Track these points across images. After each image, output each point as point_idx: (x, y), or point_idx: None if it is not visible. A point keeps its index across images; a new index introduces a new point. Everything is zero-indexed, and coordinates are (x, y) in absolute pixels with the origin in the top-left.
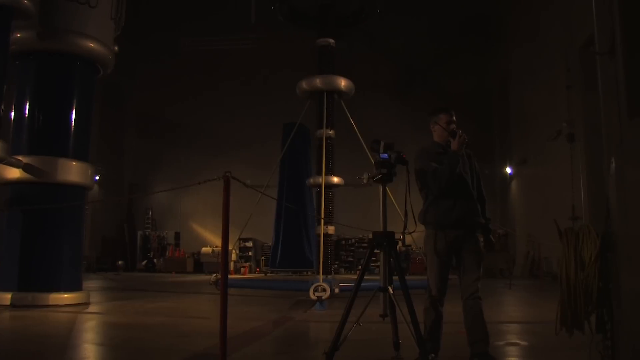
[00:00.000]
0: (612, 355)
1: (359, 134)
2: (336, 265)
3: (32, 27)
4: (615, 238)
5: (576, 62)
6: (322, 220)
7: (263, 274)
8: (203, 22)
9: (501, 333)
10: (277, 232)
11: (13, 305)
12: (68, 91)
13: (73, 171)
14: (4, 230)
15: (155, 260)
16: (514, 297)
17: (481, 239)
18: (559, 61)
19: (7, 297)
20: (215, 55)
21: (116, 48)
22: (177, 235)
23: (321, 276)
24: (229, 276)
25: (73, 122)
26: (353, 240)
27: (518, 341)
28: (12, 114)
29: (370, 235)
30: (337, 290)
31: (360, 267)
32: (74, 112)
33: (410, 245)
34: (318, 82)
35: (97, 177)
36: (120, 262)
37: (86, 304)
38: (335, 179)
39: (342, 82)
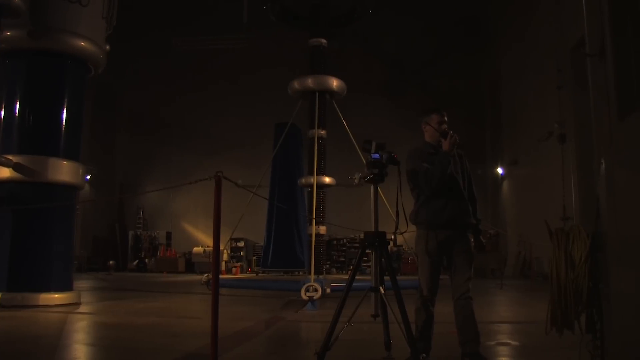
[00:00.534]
0: (602, 355)
1: (350, 134)
2: (328, 265)
3: (22, 25)
4: (605, 238)
5: (567, 63)
6: (314, 220)
7: (254, 274)
8: (195, 21)
9: (492, 333)
10: (268, 232)
11: (2, 306)
12: (59, 90)
13: (64, 170)
14: None
15: (146, 260)
16: (505, 297)
17: (472, 239)
18: (550, 62)
19: None
20: (207, 55)
21: (108, 47)
22: (169, 235)
23: (313, 276)
24: (221, 276)
25: (64, 122)
26: (345, 241)
27: (509, 341)
28: (2, 112)
29: (362, 236)
30: (328, 290)
31: (351, 267)
32: (64, 111)
33: (401, 246)
34: (310, 82)
35: (88, 177)
36: (111, 262)
37: (77, 304)
38: (327, 179)
39: (334, 82)
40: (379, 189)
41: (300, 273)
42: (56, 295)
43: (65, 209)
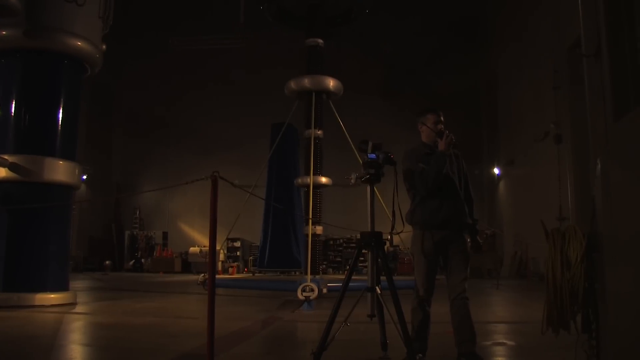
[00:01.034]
0: (598, 355)
1: (347, 134)
2: (324, 265)
3: (18, 24)
4: (601, 238)
5: (563, 63)
6: (310, 220)
7: (251, 274)
8: (192, 21)
9: (488, 333)
10: (265, 232)
11: None
12: (55, 90)
13: (60, 170)
14: None
15: (142, 260)
16: (501, 297)
17: (468, 240)
18: (546, 62)
19: None
20: (204, 55)
21: (104, 47)
22: (165, 235)
23: (309, 276)
24: (217, 276)
25: (60, 121)
26: (341, 241)
27: (505, 341)
28: None
29: (358, 236)
30: (325, 291)
31: (348, 267)
32: (60, 110)
33: (398, 246)
34: (306, 82)
35: (85, 177)
36: (107, 262)
37: (73, 304)
38: (324, 179)
39: (331, 82)
40: (375, 189)
41: (297, 273)
42: (52, 296)
43: (61, 209)
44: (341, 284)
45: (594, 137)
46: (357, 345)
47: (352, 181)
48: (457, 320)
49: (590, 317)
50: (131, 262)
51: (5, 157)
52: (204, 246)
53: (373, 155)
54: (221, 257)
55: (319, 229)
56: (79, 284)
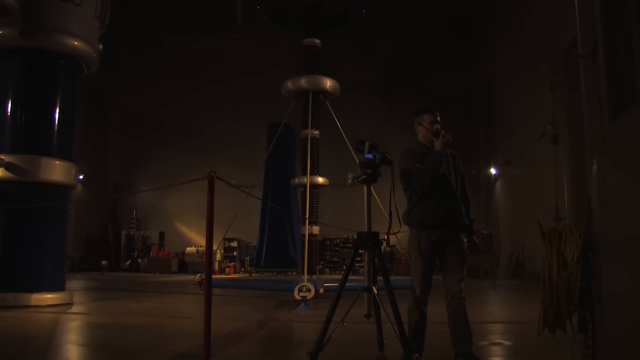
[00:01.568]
0: (594, 354)
1: (344, 134)
2: (321, 266)
3: (14, 24)
4: (597, 239)
5: (560, 64)
6: (307, 220)
7: (248, 274)
8: (189, 21)
9: (485, 333)
10: (261, 232)
11: None
12: (51, 89)
13: (56, 170)
14: None
15: (139, 260)
16: (497, 297)
17: (465, 240)
18: (543, 63)
19: None
20: (201, 55)
21: (101, 47)
22: (162, 235)
23: (306, 276)
24: (214, 276)
25: (56, 121)
26: (338, 241)
27: (502, 341)
28: None
29: (355, 236)
30: (321, 291)
31: (344, 267)
32: (57, 110)
33: (394, 246)
34: (303, 82)
35: (81, 177)
36: (104, 262)
37: (69, 304)
38: (320, 179)
39: (328, 83)
40: (372, 189)
41: (294, 273)
42: (48, 296)
43: (57, 209)
44: (338, 284)
45: (591, 137)
46: (353, 345)
47: (349, 181)
48: (454, 320)
49: (587, 317)
50: (128, 262)
51: (2, 156)
52: (201, 246)
53: (370, 156)
54: (218, 257)
55: (315, 229)
56: (75, 284)
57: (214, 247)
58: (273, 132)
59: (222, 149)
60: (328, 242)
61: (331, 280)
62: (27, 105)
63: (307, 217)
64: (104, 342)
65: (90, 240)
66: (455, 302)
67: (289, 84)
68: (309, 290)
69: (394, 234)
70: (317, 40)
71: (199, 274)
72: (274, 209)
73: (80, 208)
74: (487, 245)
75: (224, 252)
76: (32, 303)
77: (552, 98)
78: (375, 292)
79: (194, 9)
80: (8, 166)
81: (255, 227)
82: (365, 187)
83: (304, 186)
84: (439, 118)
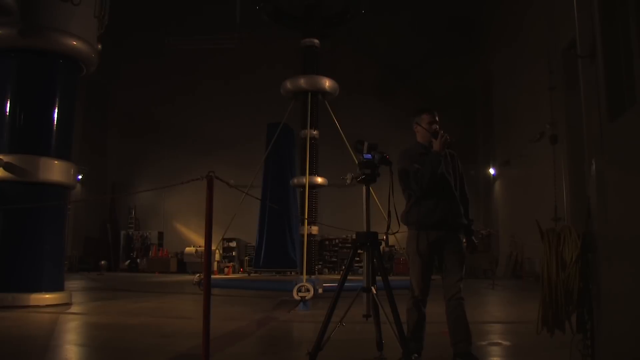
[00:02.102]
0: (592, 354)
1: (342, 135)
2: (320, 266)
3: (13, 24)
4: (596, 239)
5: (559, 64)
6: (306, 221)
7: (247, 274)
8: (187, 21)
9: (484, 333)
10: (260, 232)
11: None
12: (50, 89)
13: (55, 170)
14: None
15: (138, 260)
16: (496, 297)
17: (464, 240)
18: (542, 63)
19: None
20: (200, 54)
21: (100, 46)
22: (161, 235)
23: (305, 276)
24: (212, 276)
25: (55, 121)
26: (337, 241)
27: (500, 341)
28: None
29: (354, 236)
30: (320, 291)
31: (343, 267)
32: (56, 110)
33: (393, 246)
34: (302, 82)
35: (80, 177)
36: (103, 262)
37: (68, 304)
38: (319, 179)
39: (327, 83)
40: (370, 189)
41: (293, 273)
42: (47, 296)
43: (56, 209)
44: (337, 284)
45: (589, 137)
46: (352, 345)
47: (348, 181)
48: (453, 320)
49: (585, 317)
50: (127, 262)
51: (1, 156)
52: (200, 246)
53: (369, 156)
54: (217, 257)
55: (314, 229)
56: (74, 284)
57: (213, 247)
58: (272, 132)
59: (221, 149)
60: (327, 242)
61: (330, 280)
62: (26, 105)
63: (306, 217)
64: (102, 342)
65: (89, 240)
66: (454, 302)
67: (288, 84)
68: (307, 290)
69: (393, 234)
70: (316, 40)
71: (198, 274)
72: (273, 209)
73: (79, 208)
74: (486, 246)
75: (223, 252)
76: (31, 303)
77: (551, 98)
78: (374, 292)
79: (193, 9)
80: (7, 166)
81: (254, 227)
82: (364, 187)
83: (303, 186)
84: (437, 118)
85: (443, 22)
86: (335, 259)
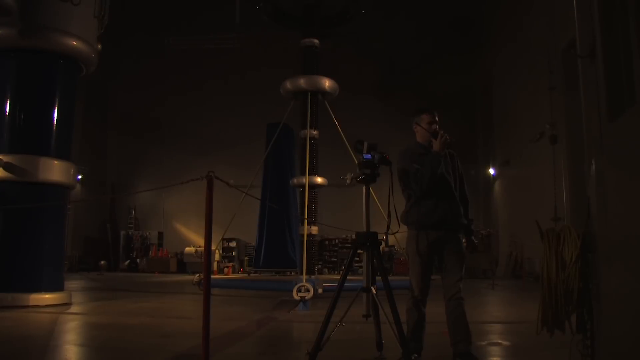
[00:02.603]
0: (592, 354)
1: (342, 135)
2: (319, 266)
3: (13, 24)
4: (596, 239)
5: (559, 64)
6: (306, 221)
7: (246, 274)
8: (187, 21)
9: (484, 333)
10: (260, 232)
11: None
12: (50, 89)
13: (55, 170)
14: None
15: (138, 260)
16: (496, 298)
17: (464, 240)
18: (542, 63)
19: None
20: (199, 54)
21: (99, 46)
22: (160, 235)
23: (304, 276)
24: (212, 276)
25: (55, 121)
26: (336, 241)
27: (500, 341)
28: None
29: (354, 236)
30: (320, 291)
31: (343, 267)
32: (56, 110)
33: (393, 246)
34: (302, 82)
35: (80, 177)
36: (102, 262)
37: (68, 304)
38: (319, 179)
39: (326, 83)
40: (370, 189)
41: (292, 273)
42: (47, 296)
43: (56, 209)
44: (336, 284)
45: (589, 137)
46: (352, 345)
47: (348, 181)
48: (452, 320)
49: (585, 317)
50: (126, 262)
51: (0, 156)
52: (200, 246)
53: (368, 156)
54: (217, 257)
55: (314, 229)
56: (74, 284)
57: (213, 247)
58: (272, 132)
59: (220, 149)
60: (327, 242)
61: (330, 281)
62: (26, 105)
63: (306, 217)
64: (102, 342)
65: (88, 240)
66: (454, 302)
67: (288, 84)
68: (307, 290)
69: (393, 234)
70: (316, 40)
71: (198, 274)
72: (273, 209)
73: (78, 208)
74: (485, 246)
75: (223, 252)
76: (31, 303)
77: (550, 98)
78: (374, 292)
79: (193, 9)
80: (7, 166)
81: (254, 227)
82: (364, 187)
83: (303, 186)
84: (437, 118)
85: (443, 22)
86: (335, 259)
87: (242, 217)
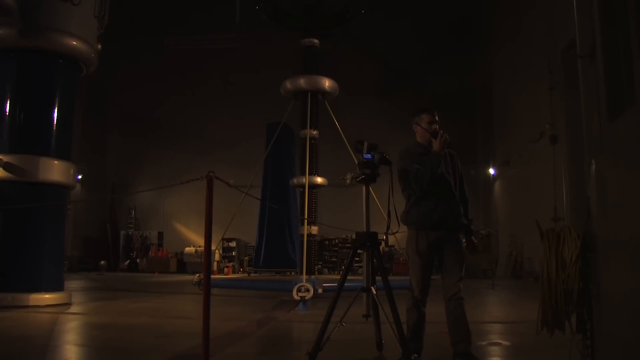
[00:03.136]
0: (592, 354)
1: (342, 135)
2: (319, 266)
3: (13, 23)
4: (596, 239)
5: (558, 64)
6: (306, 221)
7: (246, 274)
8: (187, 21)
9: (484, 333)
10: (260, 232)
11: None
12: (50, 89)
13: (55, 170)
14: None
15: (138, 260)
16: (496, 298)
17: (464, 240)
18: (541, 63)
19: None
20: (199, 54)
21: (99, 46)
22: (160, 235)
23: (304, 276)
24: (212, 276)
25: (55, 121)
26: (336, 241)
27: (500, 341)
28: None
29: (354, 236)
30: (320, 291)
31: (343, 267)
32: (56, 110)
33: (393, 246)
34: (302, 82)
35: (80, 177)
36: (102, 262)
37: (68, 304)
38: (319, 179)
39: (326, 83)
40: (370, 189)
41: (292, 273)
42: (47, 296)
43: (56, 209)
44: (336, 284)
45: (589, 137)
46: (352, 345)
47: (348, 181)
48: (452, 320)
49: (585, 317)
50: (126, 262)
51: (0, 156)
52: (200, 246)
53: (368, 156)
54: (217, 257)
55: (314, 229)
56: (74, 284)
57: (213, 247)
58: (272, 132)
59: (220, 149)
60: (327, 242)
61: (330, 280)
62: (26, 105)
63: (306, 217)
64: (102, 342)
65: (88, 240)
66: (454, 302)
67: (288, 84)
68: (307, 290)
69: (393, 234)
70: (316, 40)
71: (198, 274)
72: (273, 209)
73: (78, 208)
74: (485, 246)
75: (223, 252)
76: (31, 303)
77: (550, 98)
78: (374, 292)
79: (193, 9)
80: (6, 166)
81: (254, 227)
82: (364, 187)
83: (303, 186)
84: (437, 118)
85: (443, 22)
86: (335, 259)
87: (242, 217)
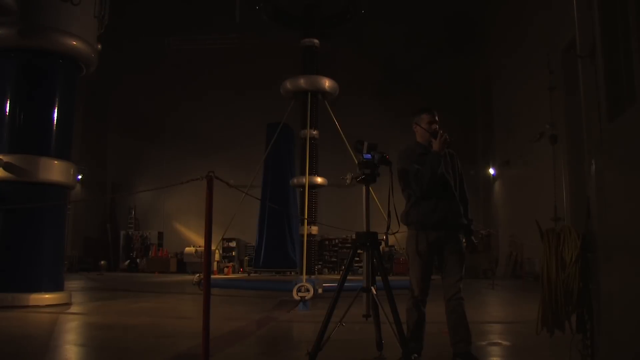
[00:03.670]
0: (592, 354)
1: (342, 135)
2: (319, 266)
3: (13, 23)
4: (596, 239)
5: (558, 64)
6: (306, 221)
7: (246, 274)
8: (187, 21)
9: (484, 333)
10: (260, 232)
11: None
12: (50, 89)
13: (55, 170)
14: None
15: (138, 260)
16: (496, 298)
17: (464, 240)
18: (541, 63)
19: None
20: (199, 55)
21: (99, 46)
22: (160, 235)
23: (304, 276)
24: (212, 276)
25: (55, 121)
26: (336, 241)
27: (500, 341)
28: None
29: (354, 236)
30: (320, 291)
31: (343, 267)
32: (56, 110)
33: (393, 246)
34: (302, 82)
35: (80, 177)
36: (102, 262)
37: (68, 304)
38: (319, 179)
39: (326, 83)
40: (370, 189)
41: (292, 273)
42: (47, 296)
43: (56, 209)
44: (336, 284)
45: (589, 137)
46: (352, 345)
47: (348, 181)
48: (453, 320)
49: (585, 317)
50: (126, 262)
51: (0, 156)
52: (200, 246)
53: (368, 156)
54: (216, 257)
55: (314, 229)
56: (74, 284)
57: (213, 247)
58: (272, 132)
59: (220, 150)
60: (327, 242)
61: (330, 280)
62: (26, 105)
63: (306, 217)
64: (102, 342)
65: (88, 240)
66: (454, 302)
67: (288, 84)
68: (307, 290)
69: (393, 234)
70: (316, 41)
71: (198, 274)
72: (273, 209)
73: (78, 208)
74: (485, 246)
75: (223, 252)
76: (31, 303)
77: (550, 98)
78: (374, 292)
79: (193, 10)
80: (7, 166)
81: (254, 227)
82: (363, 187)
83: (303, 186)
84: (437, 118)
85: (443, 22)
86: (335, 259)
87: (242, 217)
